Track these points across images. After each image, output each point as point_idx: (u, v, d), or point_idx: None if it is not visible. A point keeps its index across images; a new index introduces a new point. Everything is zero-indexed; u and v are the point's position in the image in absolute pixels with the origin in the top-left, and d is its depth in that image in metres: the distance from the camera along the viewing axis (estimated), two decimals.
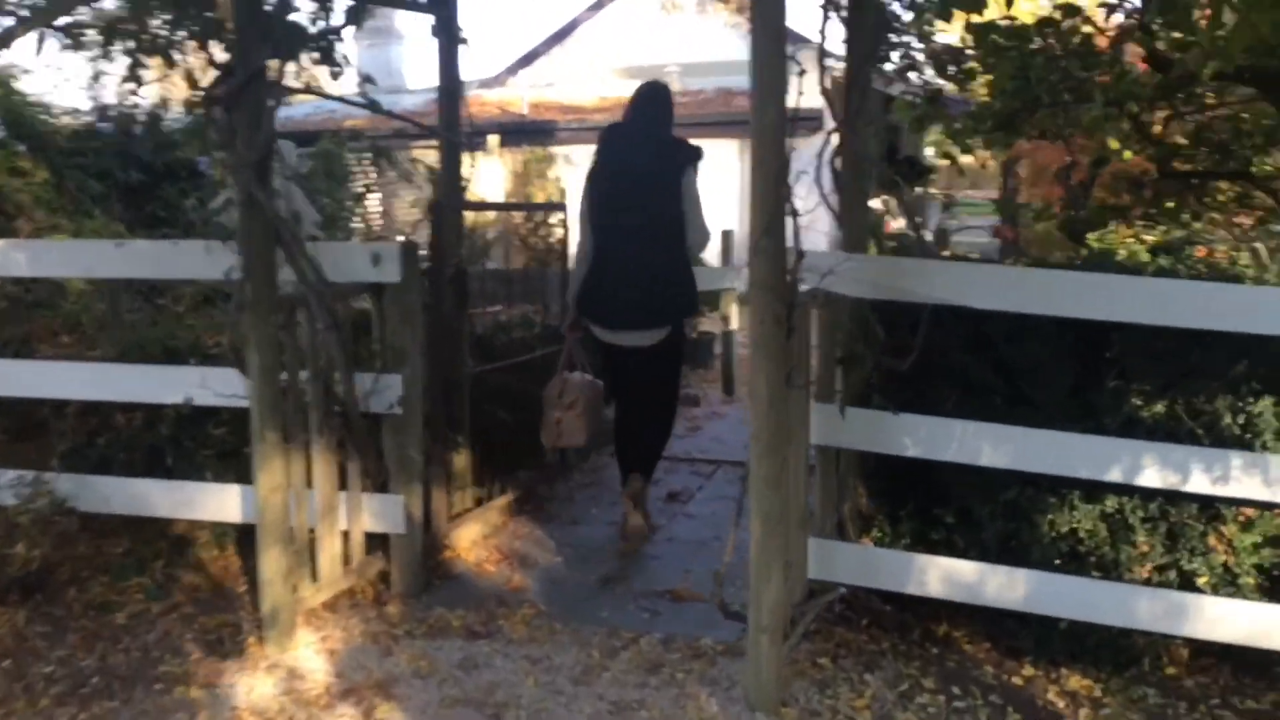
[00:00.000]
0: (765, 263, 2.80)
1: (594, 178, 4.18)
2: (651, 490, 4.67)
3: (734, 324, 7.71)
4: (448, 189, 4.23)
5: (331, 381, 3.55)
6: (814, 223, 2.91)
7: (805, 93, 2.78)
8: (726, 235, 7.89)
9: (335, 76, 3.55)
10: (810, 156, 3.32)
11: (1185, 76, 4.46)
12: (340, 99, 3.65)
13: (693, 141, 4.23)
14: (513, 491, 4.71)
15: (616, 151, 4.20)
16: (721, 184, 14.82)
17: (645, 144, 4.18)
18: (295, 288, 3.39)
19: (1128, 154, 5.05)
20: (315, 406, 3.54)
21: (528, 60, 16.77)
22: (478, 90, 17.43)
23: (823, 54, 3.06)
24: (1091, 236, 4.65)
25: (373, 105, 3.68)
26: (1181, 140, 5.24)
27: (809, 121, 12.55)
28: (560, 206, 4.92)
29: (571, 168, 14.68)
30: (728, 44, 16.07)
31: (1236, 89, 4.83)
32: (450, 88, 4.24)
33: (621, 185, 4.09)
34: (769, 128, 2.72)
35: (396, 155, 10.60)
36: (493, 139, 13.57)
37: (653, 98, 4.25)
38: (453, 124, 4.27)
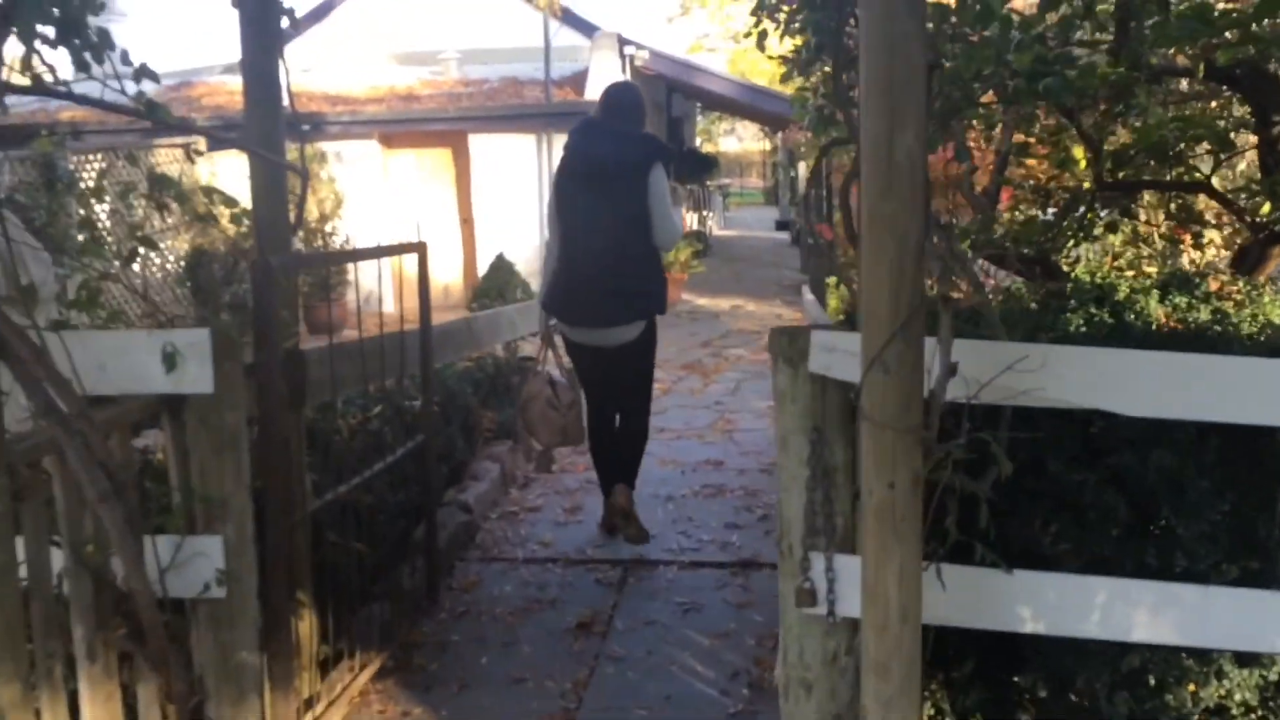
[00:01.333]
0: (893, 385, 1.73)
1: (560, 173, 4.22)
2: (555, 620, 3.82)
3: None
4: (271, 229, 2.87)
5: (104, 567, 2.19)
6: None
7: None
8: None
9: (81, 67, 2.17)
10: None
11: (1163, 72, 3.78)
12: (103, 104, 2.22)
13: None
14: (375, 653, 3.42)
15: (582, 145, 4.19)
16: (518, 186, 13.73)
17: (611, 139, 4.15)
18: (37, 424, 2.01)
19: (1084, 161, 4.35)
20: (81, 607, 2.17)
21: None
22: (221, 76, 15.32)
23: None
24: (1081, 269, 3.89)
25: (148, 110, 2.32)
26: (1124, 144, 4.64)
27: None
28: (419, 248, 3.61)
29: (345, 166, 13.03)
30: (511, 28, 14.78)
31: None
32: (263, 77, 2.89)
33: (586, 180, 4.11)
34: (906, 158, 1.66)
35: (139, 156, 8.74)
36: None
37: (623, 95, 4.30)
38: (271, 130, 2.92)
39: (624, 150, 4.13)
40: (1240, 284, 3.62)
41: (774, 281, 15.77)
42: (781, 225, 23.61)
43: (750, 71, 24.05)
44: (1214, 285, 3.42)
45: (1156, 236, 5.57)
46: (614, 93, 4.32)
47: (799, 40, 3.94)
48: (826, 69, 3.91)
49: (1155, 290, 3.32)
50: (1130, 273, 5.12)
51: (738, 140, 44.65)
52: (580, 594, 4.05)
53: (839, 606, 2.21)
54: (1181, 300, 2.88)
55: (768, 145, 35.29)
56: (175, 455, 2.40)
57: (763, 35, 4.31)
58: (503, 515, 4.97)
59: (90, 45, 2.02)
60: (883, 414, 1.71)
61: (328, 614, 3.11)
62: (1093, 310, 2.69)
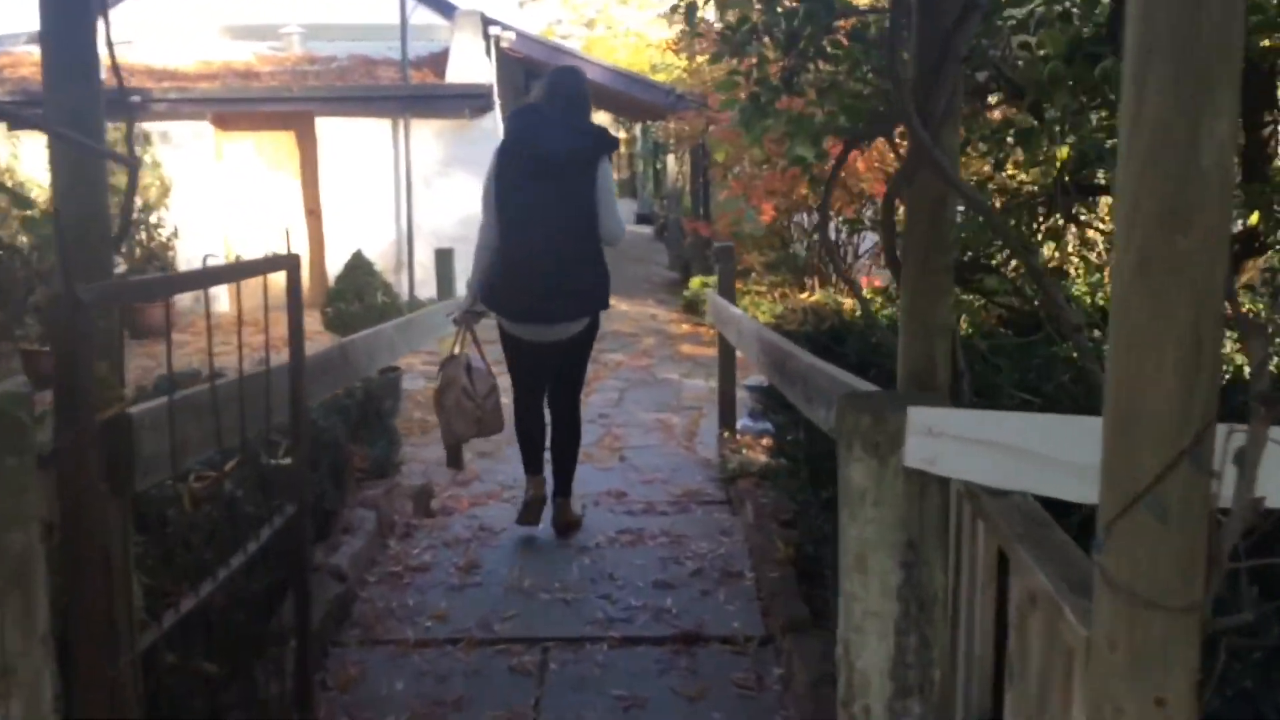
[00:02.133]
0: (1173, 539, 1.06)
1: (501, 158, 4.07)
2: None
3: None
4: (83, 240, 2.00)
5: None
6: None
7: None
8: (443, 256, 5.92)
9: None
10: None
11: None
12: None
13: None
14: None
15: (527, 132, 4.03)
16: (372, 174, 12.67)
17: (559, 128, 4.01)
18: None
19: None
20: None
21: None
22: (25, 47, 13.58)
23: None
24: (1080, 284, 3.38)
25: None
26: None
27: (476, 99, 10.58)
28: (289, 262, 2.75)
29: (173, 150, 11.69)
30: (361, 3, 13.63)
31: None
32: (71, 42, 2.02)
33: (532, 169, 3.97)
34: (1217, 162, 0.99)
35: None
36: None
37: (568, 80, 4.19)
38: (85, 108, 2.04)
39: (573, 142, 4.00)
40: None
41: (644, 279, 15.18)
42: (643, 218, 23.08)
43: (607, 60, 23.40)
44: None
45: (1102, 242, 5.21)
46: (562, 80, 4.19)
47: (731, 16, 3.35)
48: (766, 51, 3.33)
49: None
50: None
51: None
52: (492, 688, 3.28)
53: None
54: None
55: (622, 135, 34.87)
56: None
57: (692, 10, 3.69)
58: (383, 578, 4.14)
59: None
60: (1149, 584, 1.04)
61: None
62: None
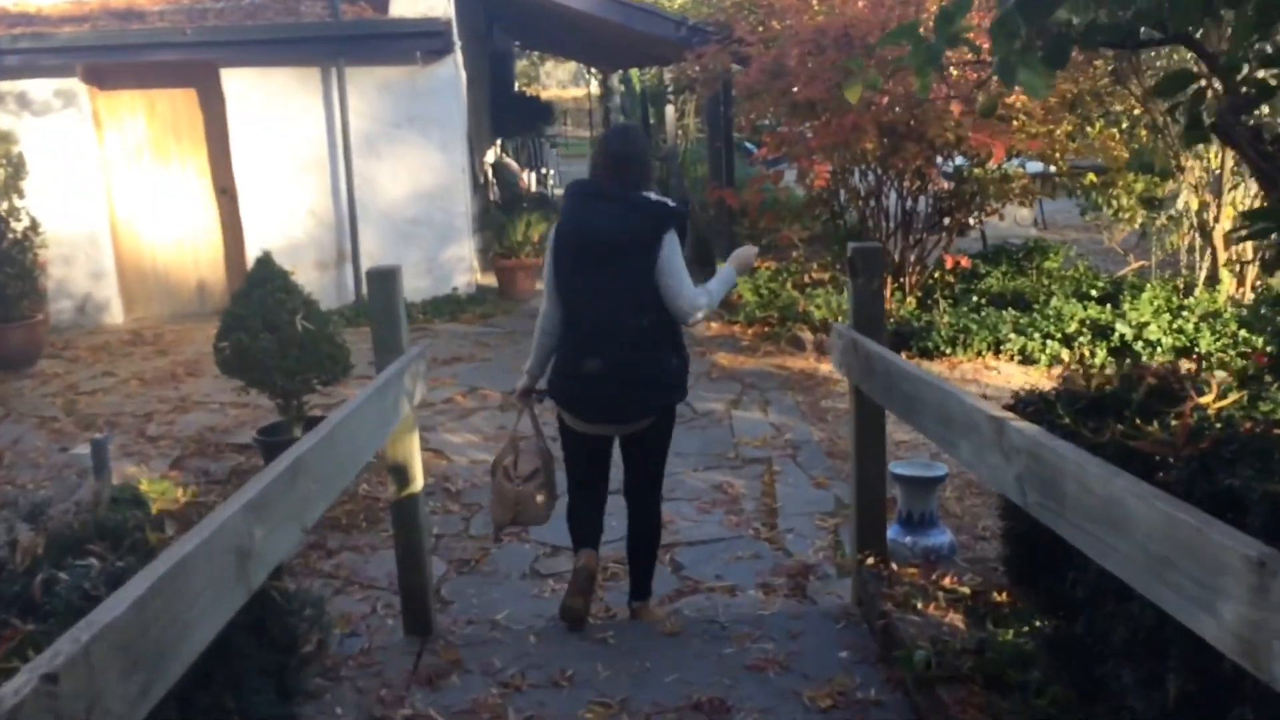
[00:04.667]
0: None
1: (557, 241, 3.86)
2: None
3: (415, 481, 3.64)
4: None
5: None
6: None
7: None
8: (381, 280, 3.53)
9: None
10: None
11: None
12: None
13: (668, 203, 3.80)
14: None
15: (579, 213, 3.83)
16: (297, 139, 10.24)
17: (615, 207, 3.73)
18: None
19: None
20: None
21: None
22: None
23: None
24: None
25: None
26: None
27: (431, 39, 7.93)
28: None
29: (33, 117, 9.22)
30: None
31: None
32: None
33: (589, 253, 3.74)
34: None
35: None
36: None
37: (623, 146, 3.88)
38: None
39: (629, 221, 3.70)
40: None
41: None
42: None
43: None
44: None
45: None
46: (612, 146, 3.89)
47: None
48: None
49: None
50: None
51: (555, 84, 41.84)
52: None
53: None
54: None
55: (587, 90, 32.41)
56: None
57: None
58: None
59: None
60: None
61: None
62: None
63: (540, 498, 4.00)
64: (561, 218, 3.88)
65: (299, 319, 5.40)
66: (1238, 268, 7.87)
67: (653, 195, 3.82)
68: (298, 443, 2.24)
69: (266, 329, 5.38)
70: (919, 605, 3.30)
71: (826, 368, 7.90)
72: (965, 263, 8.59)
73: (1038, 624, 2.93)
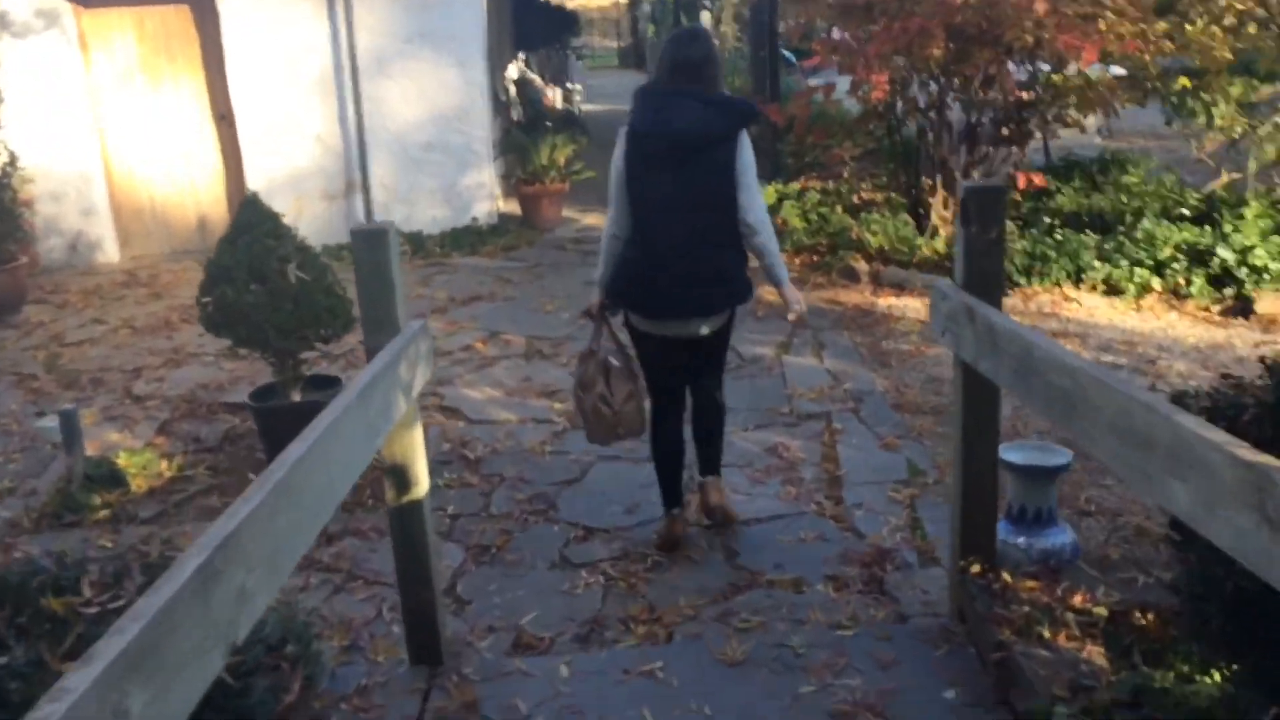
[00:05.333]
0: None
1: (630, 143, 3.85)
2: None
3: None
4: None
5: None
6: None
7: None
8: (369, 241, 2.85)
9: None
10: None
11: None
12: None
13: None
14: None
15: (653, 113, 3.80)
16: (299, 61, 9.47)
17: (689, 107, 3.74)
18: None
19: None
20: None
21: None
22: None
23: None
24: None
25: None
26: None
27: None
28: None
29: (13, 41, 8.54)
30: None
31: None
32: None
33: (663, 153, 3.77)
34: None
35: None
36: None
37: (692, 49, 3.84)
38: None
39: (705, 120, 3.73)
40: None
41: None
42: None
43: None
44: None
45: None
46: (681, 47, 3.85)
47: None
48: None
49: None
50: None
51: None
52: None
53: None
54: None
55: None
56: None
57: None
58: None
59: None
60: None
61: None
62: None
63: (635, 411, 4.10)
64: (632, 119, 3.85)
65: (291, 268, 4.74)
66: None
67: (728, 94, 3.82)
68: (230, 513, 1.59)
69: (255, 280, 4.73)
70: (1045, 633, 2.64)
71: (885, 302, 7.17)
72: (1040, 181, 7.76)
73: (1215, 673, 2.28)
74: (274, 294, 4.71)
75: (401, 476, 2.80)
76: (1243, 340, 6.10)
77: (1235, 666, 1.96)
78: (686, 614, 3.57)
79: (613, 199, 3.93)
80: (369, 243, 2.65)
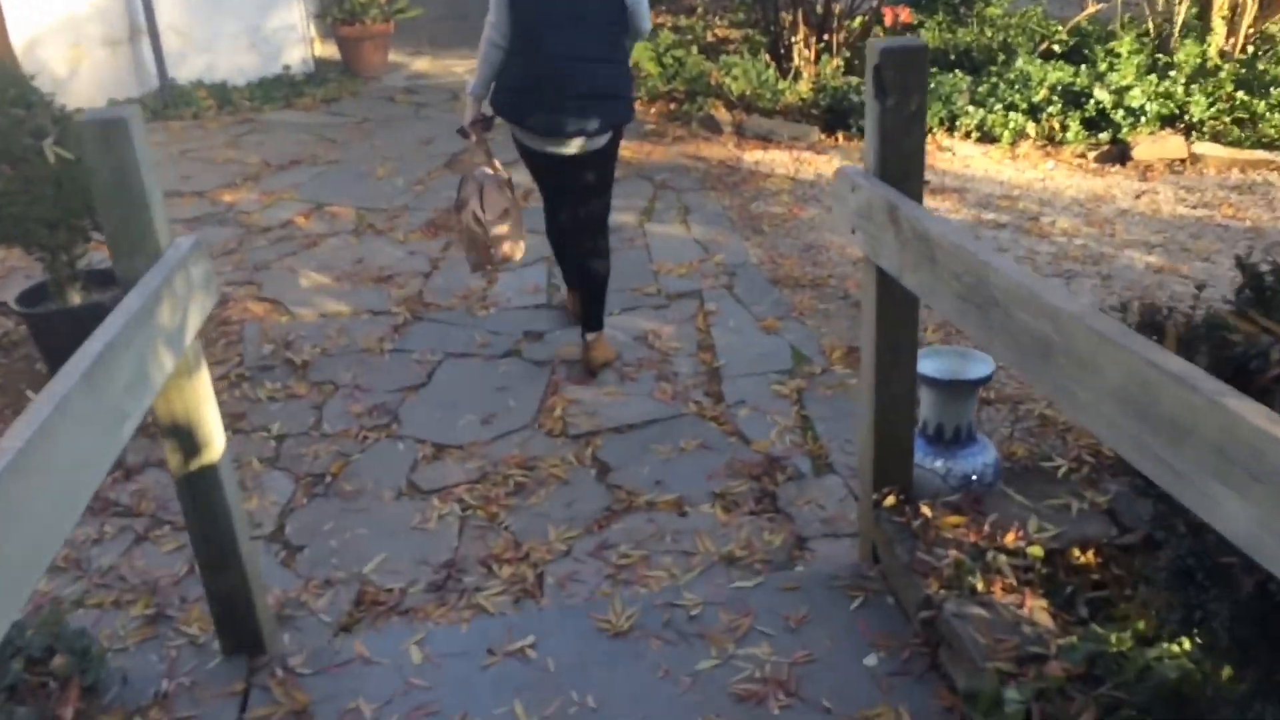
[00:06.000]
0: None
1: None
2: None
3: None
4: None
5: None
6: None
7: None
8: (103, 134, 2.16)
9: None
10: None
11: None
12: None
13: None
14: None
15: None
16: None
17: None
18: None
19: None
20: None
21: None
22: None
23: None
24: None
25: None
26: None
27: None
28: None
29: None
30: None
31: None
32: None
33: None
34: None
35: None
36: None
37: None
38: None
39: None
40: None
41: None
42: None
43: None
44: None
45: None
46: None
47: None
48: None
49: None
50: None
51: None
52: None
53: None
54: None
55: None
56: None
57: None
58: None
59: None
60: None
61: None
62: None
63: (516, 234, 4.05)
64: None
65: (48, 144, 3.89)
66: (1228, 12, 6.74)
67: None
68: None
69: (5, 162, 3.88)
70: (977, 585, 2.29)
71: (751, 157, 6.65)
72: (907, 16, 7.28)
73: (1188, 639, 1.96)
74: (29, 180, 3.87)
75: (186, 441, 2.20)
76: (1122, 190, 5.86)
77: (1242, 669, 1.62)
78: (558, 549, 3.13)
79: (493, 5, 3.80)
80: (104, 138, 1.96)
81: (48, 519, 1.37)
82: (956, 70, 7.00)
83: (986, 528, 2.45)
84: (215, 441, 2.25)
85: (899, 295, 2.30)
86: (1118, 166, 6.18)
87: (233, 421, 3.90)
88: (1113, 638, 2.08)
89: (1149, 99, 6.20)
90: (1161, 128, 6.23)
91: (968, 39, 7.71)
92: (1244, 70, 6.29)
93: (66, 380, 1.50)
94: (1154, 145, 6.14)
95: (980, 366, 2.69)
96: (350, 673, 2.41)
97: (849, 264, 4.94)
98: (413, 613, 2.90)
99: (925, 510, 2.53)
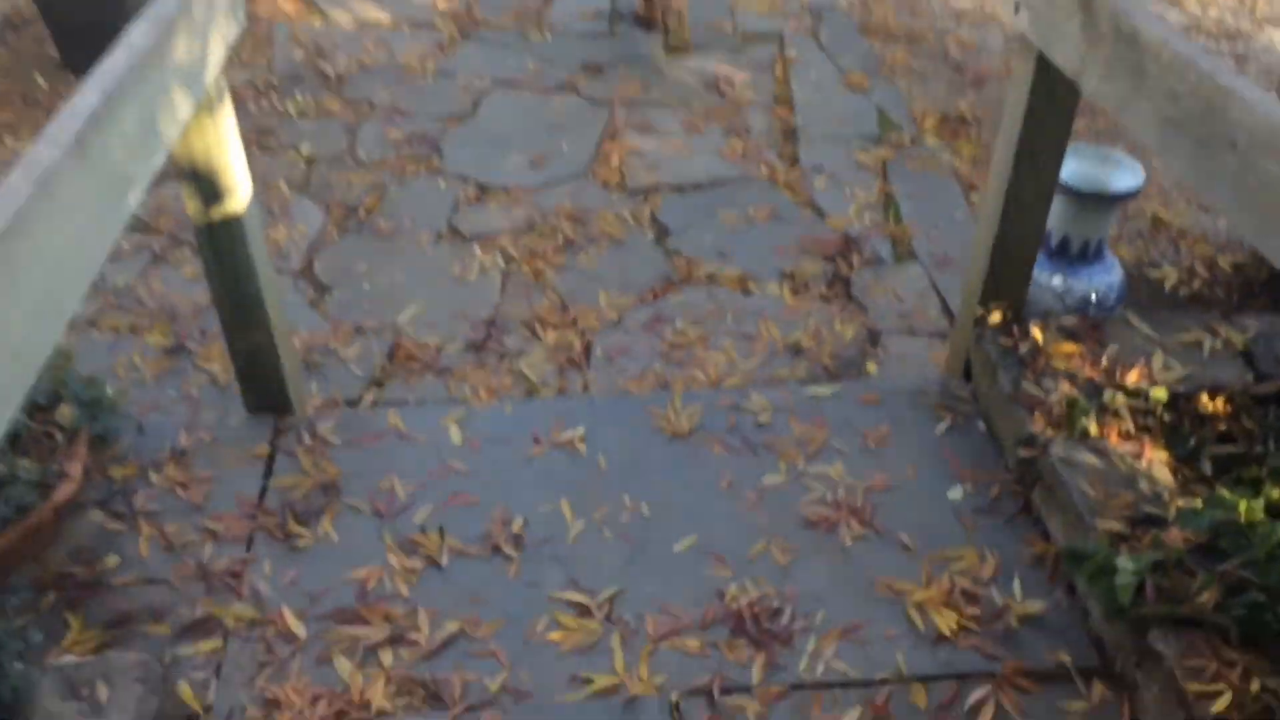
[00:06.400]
0: None
1: None
2: None
3: None
4: None
5: None
6: None
7: None
8: None
9: None
10: None
11: None
12: None
13: None
14: None
15: None
16: None
17: None
18: None
19: None
20: None
21: None
22: None
23: None
24: None
25: None
26: None
27: None
28: None
29: None
30: None
31: None
32: None
33: None
34: None
35: None
36: None
37: None
38: None
39: None
40: None
41: None
42: None
43: None
44: None
45: None
46: None
47: None
48: None
49: None
50: None
51: None
52: None
53: None
54: None
55: None
56: None
57: None
58: None
59: None
60: None
61: None
62: None
63: None
64: None
65: None
66: None
67: None
68: None
69: None
70: (1090, 428, 2.04)
71: None
72: None
73: None
74: None
75: (205, 188, 1.89)
76: None
77: None
78: (608, 317, 2.88)
79: None
80: None
81: (27, 331, 1.09)
82: None
83: (1105, 361, 2.17)
84: (239, 190, 1.94)
85: (1060, 96, 1.91)
86: None
87: (259, 137, 3.57)
88: (1242, 505, 1.85)
89: None
90: None
91: None
92: None
93: (51, 148, 1.18)
94: None
95: (1126, 176, 2.32)
96: (384, 448, 2.21)
97: (951, 18, 4.40)
98: (448, 373, 2.69)
99: (1036, 333, 2.24)
